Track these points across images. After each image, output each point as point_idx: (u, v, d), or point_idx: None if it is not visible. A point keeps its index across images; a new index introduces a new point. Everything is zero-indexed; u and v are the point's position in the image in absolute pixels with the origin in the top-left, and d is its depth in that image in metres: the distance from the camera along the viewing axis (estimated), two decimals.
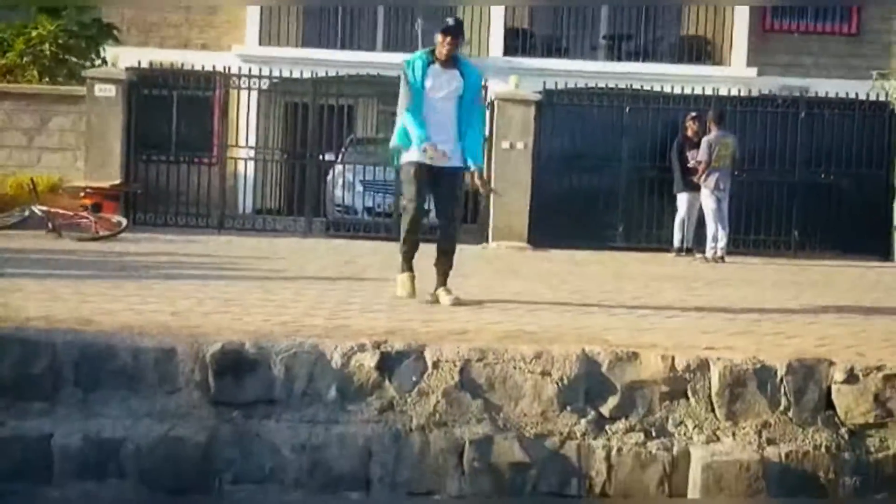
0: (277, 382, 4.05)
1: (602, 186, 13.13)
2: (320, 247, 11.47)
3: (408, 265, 6.46)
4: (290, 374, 4.06)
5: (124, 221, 11.30)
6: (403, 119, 6.41)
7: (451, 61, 6.34)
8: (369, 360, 4.10)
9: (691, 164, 11.90)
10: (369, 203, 13.56)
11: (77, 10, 14.74)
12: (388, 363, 4.12)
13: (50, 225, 10.95)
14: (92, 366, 4.06)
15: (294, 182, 14.48)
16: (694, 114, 12.40)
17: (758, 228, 13.08)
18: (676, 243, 12.27)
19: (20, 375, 4.03)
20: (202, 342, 4.12)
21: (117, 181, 12.43)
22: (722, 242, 11.63)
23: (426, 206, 6.46)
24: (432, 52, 6.34)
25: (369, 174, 13.41)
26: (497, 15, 17.39)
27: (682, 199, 12.18)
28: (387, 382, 4.09)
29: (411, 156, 6.34)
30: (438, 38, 6.30)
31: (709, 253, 11.66)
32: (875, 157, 13.09)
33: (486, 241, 12.83)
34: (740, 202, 12.50)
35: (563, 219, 12.78)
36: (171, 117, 13.36)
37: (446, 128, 6.33)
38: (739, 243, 12.78)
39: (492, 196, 12.86)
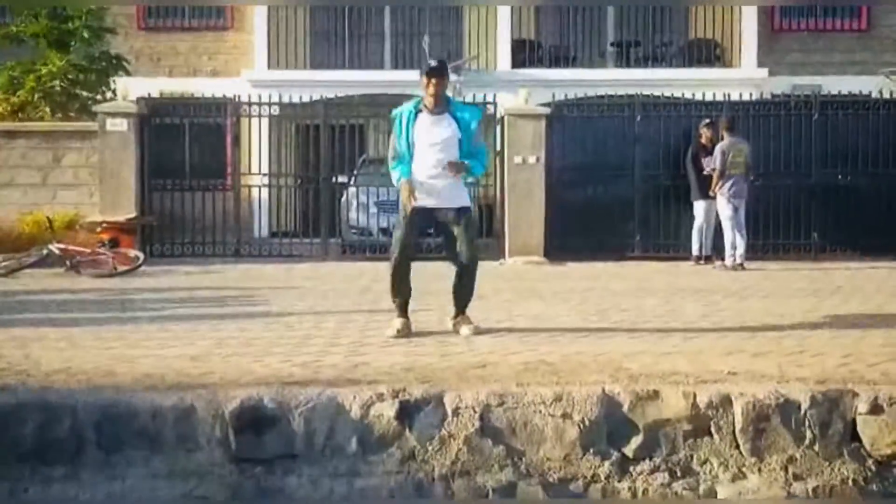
0: (298, 437, 4.05)
1: (617, 196, 13.07)
2: (337, 272, 11.45)
3: (403, 312, 6.43)
4: (310, 427, 4.06)
5: (141, 256, 11.34)
6: (392, 168, 6.37)
7: (442, 106, 6.23)
8: (388, 409, 4.09)
9: (707, 171, 11.85)
10: (384, 224, 13.54)
11: (85, 42, 14.82)
12: (407, 412, 4.11)
13: (68, 263, 11.00)
14: (113, 427, 4.06)
15: (308, 205, 14.49)
16: (707, 120, 12.36)
17: (777, 233, 12.97)
18: (695, 251, 12.22)
19: (42, 440, 4.04)
20: (221, 399, 4.12)
21: (133, 214, 12.49)
22: (741, 250, 11.56)
23: (415, 252, 6.45)
24: (421, 100, 6.26)
25: (383, 195, 13.41)
26: (504, 27, 17.38)
27: (699, 207, 12.13)
28: (407, 432, 4.08)
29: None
30: (423, 81, 6.17)
31: (728, 261, 11.60)
32: (892, 156, 12.97)
33: (503, 256, 12.80)
34: (758, 207, 12.47)
35: (579, 231, 12.73)
36: (184, 147, 13.41)
37: (443, 174, 6.21)
38: (759, 249, 12.69)
39: (506, 210, 12.88)
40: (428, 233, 6.76)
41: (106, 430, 4.07)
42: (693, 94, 13.91)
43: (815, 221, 13.00)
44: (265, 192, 14.43)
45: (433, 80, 6.11)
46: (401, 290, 6.42)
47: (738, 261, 11.52)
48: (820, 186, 13.02)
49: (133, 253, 11.37)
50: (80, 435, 4.06)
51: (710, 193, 11.69)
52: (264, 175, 14.01)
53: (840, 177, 13.05)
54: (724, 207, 11.64)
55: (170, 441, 4.06)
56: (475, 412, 4.09)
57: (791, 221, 13.00)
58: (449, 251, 6.44)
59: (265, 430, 4.05)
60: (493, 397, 4.13)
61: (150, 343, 6.23)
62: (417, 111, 6.24)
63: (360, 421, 4.09)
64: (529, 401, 4.12)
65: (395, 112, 6.43)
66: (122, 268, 10.98)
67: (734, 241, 11.59)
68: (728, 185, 11.53)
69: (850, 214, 12.95)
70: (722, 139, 11.72)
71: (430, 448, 4.07)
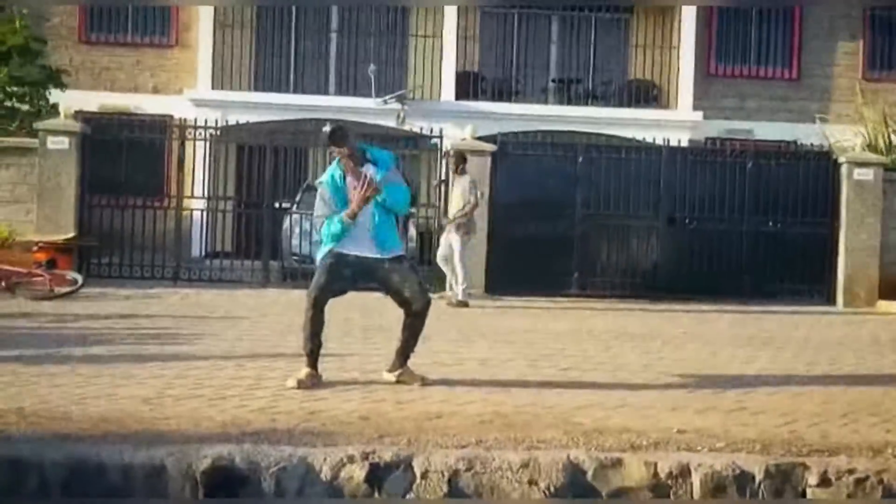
0: (268, 497, 4.07)
1: (557, 234, 13.32)
2: (280, 301, 11.40)
3: (312, 362, 6.25)
4: (281, 487, 4.10)
5: (80, 279, 11.15)
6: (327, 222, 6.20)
7: (359, 160, 6.16)
8: (358, 472, 4.15)
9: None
10: None
11: (22, 56, 14.55)
12: (377, 474, 4.18)
13: (3, 283, 10.77)
14: (81, 484, 4.04)
15: (248, 229, 14.37)
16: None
17: (709, 275, 13.36)
18: None
19: (6, 496, 3.99)
20: (192, 456, 4.13)
21: (70, 234, 12.27)
22: (465, 285, 11.63)
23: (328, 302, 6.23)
24: (339, 161, 6.21)
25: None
26: (448, 58, 17.58)
27: None
28: (376, 494, 4.14)
29: (335, 245, 6.18)
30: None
31: (462, 296, 11.57)
32: (819, 206, 13.49)
33: (444, 289, 12.89)
34: (694, 250, 12.98)
35: (520, 267, 12.94)
36: (125, 167, 13.23)
37: (369, 224, 6.16)
38: (692, 290, 13.13)
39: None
40: (358, 286, 6.56)
41: (74, 486, 4.05)
42: (633, 136, 14.29)
43: (746, 266, 13.42)
44: (205, 213, 14.29)
45: (333, 149, 6.11)
46: (312, 342, 6.23)
47: (462, 297, 11.55)
48: (751, 233, 13.45)
49: (71, 275, 11.18)
50: (47, 492, 4.03)
51: (461, 222, 11.64)
52: (206, 199, 13.87)
53: (770, 224, 13.50)
54: (461, 242, 11.67)
55: (139, 498, 4.05)
56: (444, 476, 4.18)
57: (724, 265, 13.40)
58: (395, 299, 6.33)
59: (235, 490, 4.07)
60: (461, 462, 4.23)
61: (98, 381, 6.17)
62: (343, 171, 6.18)
63: (329, 482, 4.14)
64: (497, 466, 4.23)
65: (320, 180, 6.37)
66: (59, 290, 10.79)
67: (466, 275, 11.65)
68: (469, 220, 11.65)
69: (779, 261, 13.41)
70: (460, 174, 11.82)
71: (396, 500, 4.14)
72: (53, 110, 14.03)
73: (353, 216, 6.09)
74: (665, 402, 6.10)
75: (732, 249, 13.39)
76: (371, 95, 16.80)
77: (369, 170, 6.17)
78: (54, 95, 14.63)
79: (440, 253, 11.99)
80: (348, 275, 6.24)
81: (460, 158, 12.09)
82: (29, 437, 4.48)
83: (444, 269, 11.96)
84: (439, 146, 13.64)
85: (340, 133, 6.13)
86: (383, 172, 6.20)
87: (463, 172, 11.91)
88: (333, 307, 6.40)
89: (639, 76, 18.20)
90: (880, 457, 4.74)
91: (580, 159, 13.39)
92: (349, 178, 6.16)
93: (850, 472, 4.29)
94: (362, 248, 6.18)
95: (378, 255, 6.21)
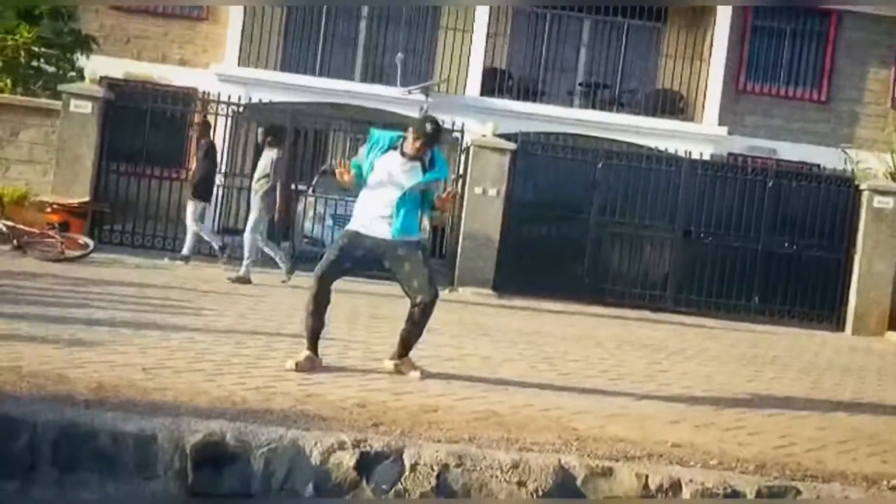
0: (256, 476, 4.07)
1: (571, 238, 13.26)
2: (288, 282, 11.40)
3: (311, 345, 6.20)
4: (269, 468, 4.09)
5: (91, 244, 11.18)
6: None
7: (421, 156, 6.11)
8: (348, 459, 4.13)
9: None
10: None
11: (53, 18, 14.59)
12: (366, 463, 4.16)
13: (14, 242, 10.81)
14: (71, 446, 4.04)
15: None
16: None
17: (720, 291, 13.29)
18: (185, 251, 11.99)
19: None
20: (183, 430, 4.13)
21: (86, 199, 12.30)
22: (249, 260, 11.01)
23: (334, 284, 6.19)
24: (403, 138, 6.14)
25: (340, 208, 13.40)
26: (476, 53, 17.52)
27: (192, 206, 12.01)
28: (364, 482, 4.13)
29: (352, 224, 6.22)
30: (410, 135, 6.06)
31: (243, 271, 10.97)
32: (837, 231, 13.38)
33: (453, 283, 12.88)
34: (707, 265, 12.96)
35: (531, 268, 12.90)
36: (145, 136, 13.24)
37: (387, 205, 6.07)
38: (702, 305, 13.07)
39: (461, 239, 12.98)
40: (368, 268, 6.55)
41: (63, 448, 4.05)
42: (655, 146, 14.20)
43: (757, 285, 13.34)
44: (221, 189, 14.30)
45: (420, 143, 6.04)
46: (313, 320, 6.17)
47: (243, 272, 10.94)
48: (765, 252, 13.35)
49: (83, 239, 11.21)
50: (37, 451, 4.03)
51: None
52: (224, 175, 13.89)
53: (786, 245, 13.40)
54: (258, 217, 11.11)
55: (127, 466, 4.05)
56: (433, 470, 4.16)
57: (735, 282, 13.32)
58: (403, 287, 6.28)
59: (224, 467, 4.06)
60: (451, 457, 4.20)
61: (100, 347, 6.18)
62: (392, 147, 6.13)
63: (318, 467, 4.12)
64: (487, 465, 4.20)
65: (375, 132, 6.31)
66: (70, 253, 10.82)
67: (252, 251, 11.04)
68: (270, 198, 11.07)
69: (790, 282, 13.32)
70: (269, 147, 11.15)
71: (384, 500, 4.12)
72: (79, 74, 14.06)
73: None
74: (663, 415, 6.07)
75: (746, 267, 13.31)
76: (396, 84, 16.77)
77: (414, 175, 6.07)
78: (80, 59, 14.66)
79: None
80: (360, 255, 6.18)
81: (271, 131, 11.39)
82: (24, 396, 4.50)
83: (261, 245, 11.31)
84: (460, 141, 13.60)
85: (436, 135, 6.11)
86: (432, 177, 6.18)
87: (272, 146, 11.18)
88: (341, 294, 6.39)
89: (666, 86, 18.09)
90: (874, 488, 4.69)
91: (600, 165, 13.33)
92: (390, 156, 6.07)
93: (843, 500, 4.25)
94: (379, 229, 6.10)
95: (393, 238, 6.10)
